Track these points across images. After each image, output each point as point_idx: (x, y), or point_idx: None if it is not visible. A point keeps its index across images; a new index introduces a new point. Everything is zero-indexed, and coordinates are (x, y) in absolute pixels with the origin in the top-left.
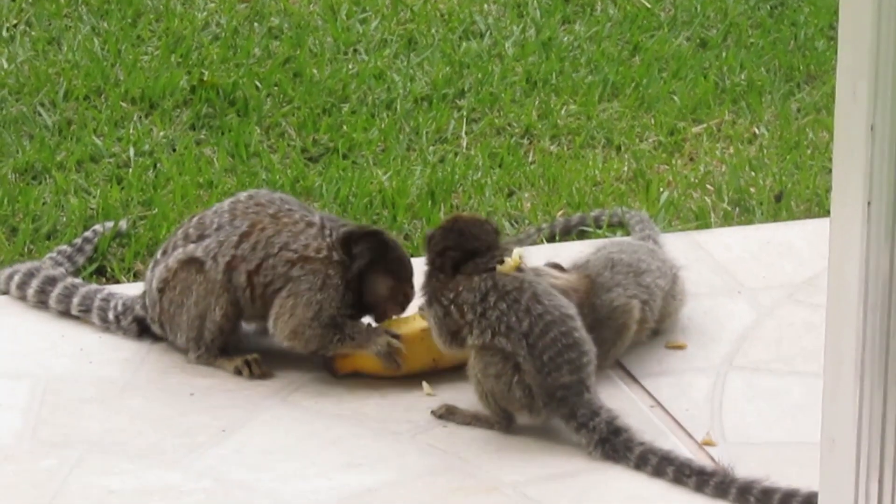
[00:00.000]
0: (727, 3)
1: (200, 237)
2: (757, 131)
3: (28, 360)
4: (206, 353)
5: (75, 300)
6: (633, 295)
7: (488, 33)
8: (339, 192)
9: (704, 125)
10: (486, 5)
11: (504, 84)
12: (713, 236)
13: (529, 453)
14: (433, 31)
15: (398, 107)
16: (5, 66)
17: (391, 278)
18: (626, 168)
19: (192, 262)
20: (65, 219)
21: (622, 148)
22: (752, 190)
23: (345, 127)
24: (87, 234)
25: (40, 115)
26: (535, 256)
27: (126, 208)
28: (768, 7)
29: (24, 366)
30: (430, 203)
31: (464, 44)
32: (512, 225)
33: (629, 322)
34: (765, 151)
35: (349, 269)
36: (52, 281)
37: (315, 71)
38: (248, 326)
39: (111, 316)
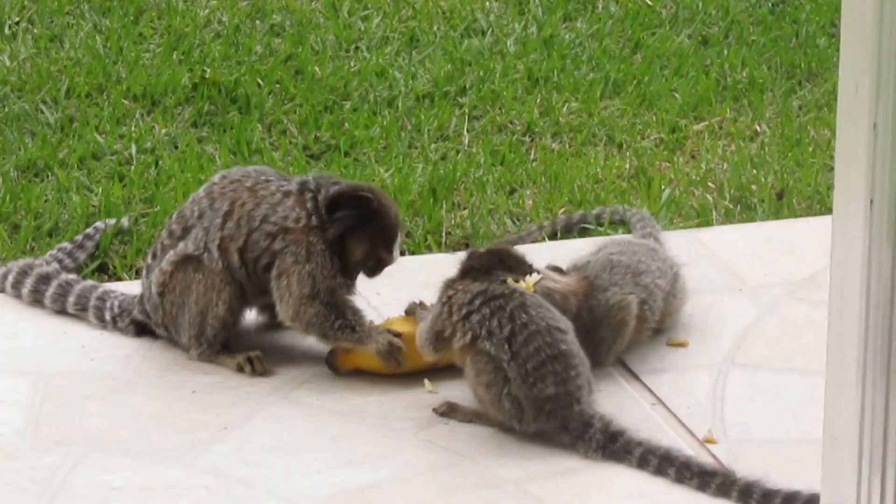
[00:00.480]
0: (728, 1)
1: (185, 230)
2: (758, 128)
3: (30, 357)
4: (207, 350)
5: (71, 299)
6: (630, 292)
7: (490, 31)
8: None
9: (706, 122)
10: (487, 2)
11: (506, 81)
12: (715, 234)
13: (531, 450)
14: (435, 28)
15: (400, 104)
16: (7, 63)
17: (368, 242)
18: (627, 165)
19: (186, 261)
20: (66, 216)
21: (624, 145)
22: (754, 187)
23: (346, 124)
24: (89, 230)
25: (42, 112)
26: (537, 255)
27: (128, 205)
28: (769, 4)
29: (25, 362)
30: (431, 200)
31: (465, 41)
32: (513, 222)
33: (627, 318)
34: (766, 149)
35: (327, 232)
36: (46, 279)
37: (317, 68)
38: (252, 315)
39: (108, 316)
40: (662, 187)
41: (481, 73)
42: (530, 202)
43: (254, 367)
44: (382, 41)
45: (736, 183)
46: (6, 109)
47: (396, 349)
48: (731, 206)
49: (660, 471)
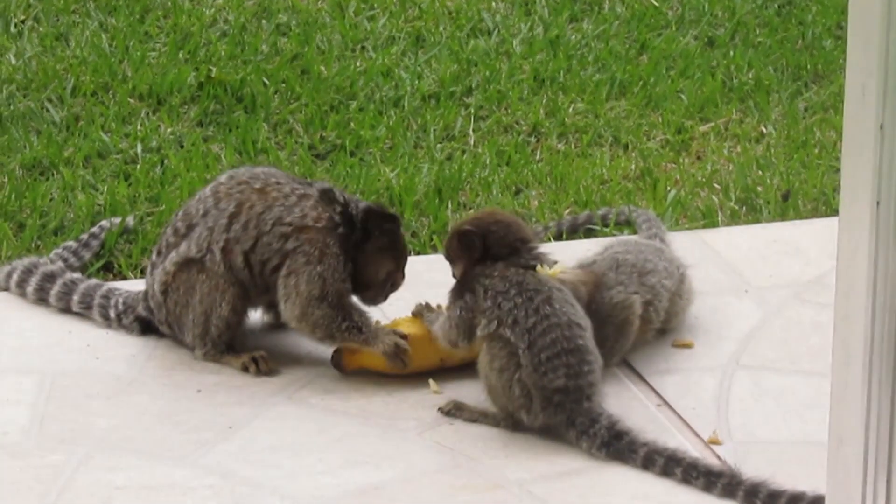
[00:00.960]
0: (735, 2)
1: (189, 228)
2: (764, 130)
3: (35, 356)
4: (212, 350)
5: (75, 297)
6: (635, 291)
7: (496, 31)
8: (347, 189)
9: (712, 124)
10: (493, 3)
11: (512, 82)
12: (720, 235)
13: (536, 451)
14: (441, 28)
15: (406, 104)
16: (13, 61)
17: (393, 264)
18: (633, 166)
19: (189, 263)
20: (72, 215)
21: (629, 146)
22: (760, 189)
23: (352, 124)
24: (94, 229)
25: (48, 110)
26: None
27: (133, 204)
28: (776, 6)
29: (30, 361)
30: (437, 200)
31: (471, 41)
32: None
33: (631, 317)
34: (772, 150)
35: (355, 241)
36: (50, 278)
37: (323, 68)
38: (257, 315)
39: (112, 314)
40: (668, 188)
41: (487, 73)
42: (536, 203)
43: (258, 367)
44: (388, 41)
45: (741, 184)
46: (12, 108)
47: (402, 350)
48: (736, 208)
49: (666, 471)
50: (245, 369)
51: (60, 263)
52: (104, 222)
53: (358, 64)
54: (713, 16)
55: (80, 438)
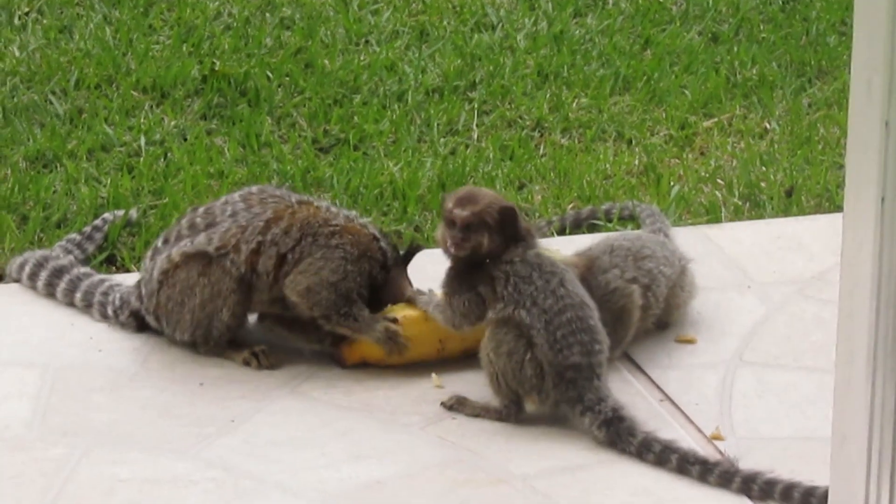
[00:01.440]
0: None
1: (210, 225)
2: (768, 126)
3: (38, 349)
4: (214, 347)
5: (78, 295)
6: (633, 279)
7: (500, 26)
8: (350, 183)
9: (715, 119)
10: None
11: (515, 77)
12: (723, 231)
13: (538, 446)
14: (445, 22)
15: (409, 98)
16: (17, 54)
17: (409, 282)
18: (636, 161)
19: (198, 258)
20: (75, 207)
21: (633, 141)
22: (763, 185)
23: (356, 118)
24: (97, 222)
25: (51, 103)
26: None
27: (137, 197)
28: (780, 2)
29: (33, 354)
30: (440, 195)
31: (475, 36)
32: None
33: (630, 306)
34: (776, 146)
35: (385, 264)
36: (59, 273)
37: (326, 62)
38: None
39: (110, 311)
40: (671, 184)
41: (491, 68)
42: (539, 197)
43: (260, 362)
44: (392, 35)
45: (745, 180)
46: (15, 100)
47: (395, 333)
48: (740, 204)
49: (661, 459)
50: (246, 364)
51: (70, 257)
52: (107, 215)
53: (362, 58)
54: (717, 11)
55: (82, 432)
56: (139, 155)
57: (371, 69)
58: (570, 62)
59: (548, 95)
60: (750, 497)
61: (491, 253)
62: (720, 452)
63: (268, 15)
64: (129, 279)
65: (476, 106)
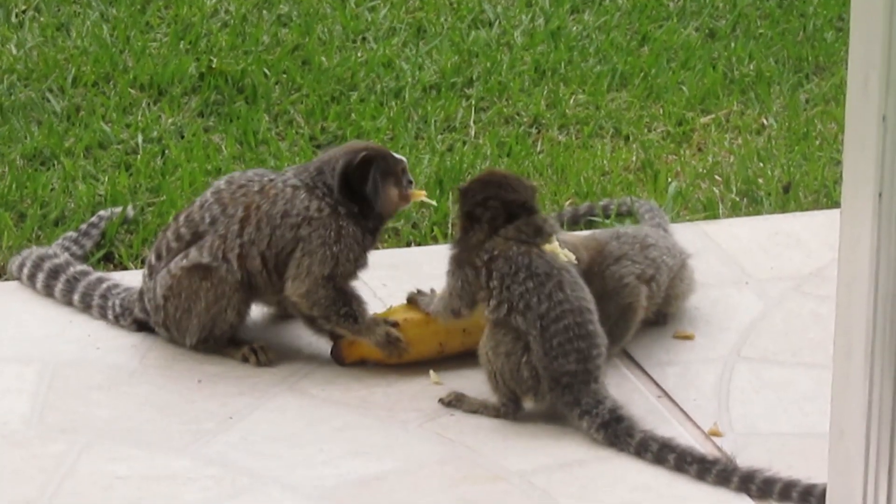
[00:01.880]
0: None
1: (196, 235)
2: (765, 122)
3: (36, 346)
4: (214, 345)
5: (75, 296)
6: (641, 272)
7: (497, 22)
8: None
9: (713, 116)
10: None
11: (513, 73)
12: (721, 227)
13: (536, 442)
14: (442, 19)
15: (407, 95)
16: (14, 51)
17: (391, 176)
18: (634, 158)
19: (197, 269)
20: (73, 205)
21: (630, 138)
22: (761, 181)
23: (353, 115)
24: (93, 219)
25: (49, 101)
26: None
27: (134, 195)
28: None
29: (32, 351)
30: (438, 191)
31: (472, 32)
32: None
33: (636, 305)
34: (773, 142)
35: (361, 211)
36: (55, 274)
37: (324, 59)
38: (264, 308)
39: (110, 315)
40: (669, 180)
41: (488, 64)
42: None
43: (259, 358)
44: (390, 32)
45: (742, 176)
46: (13, 98)
47: (395, 339)
48: (737, 200)
49: (659, 458)
50: (245, 360)
51: (67, 255)
52: (103, 212)
53: (359, 55)
54: (714, 7)
55: (81, 428)
56: (136, 152)
57: (368, 66)
58: (568, 59)
59: (545, 92)
60: (749, 495)
61: (470, 237)
62: (718, 448)
63: (265, 12)
64: (126, 277)
65: (473, 102)
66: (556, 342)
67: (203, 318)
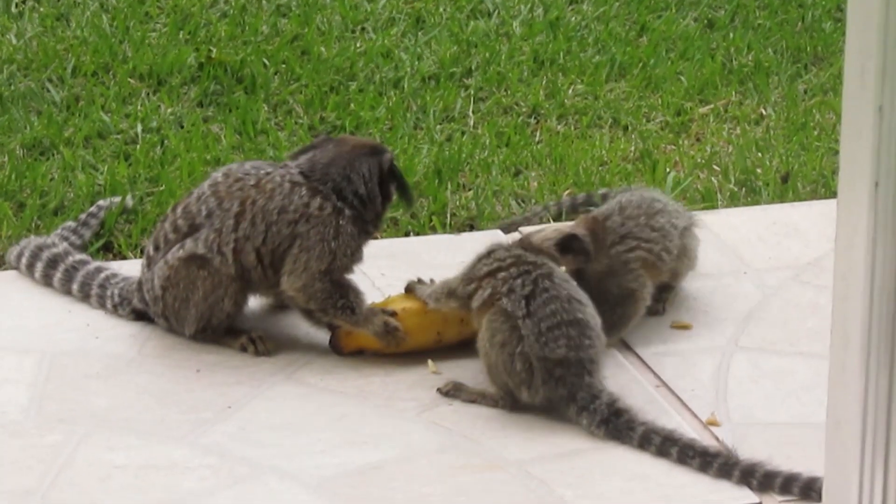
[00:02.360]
0: None
1: (192, 227)
2: (764, 112)
3: (34, 336)
4: (212, 334)
5: (74, 285)
6: (647, 252)
7: (496, 12)
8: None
9: (711, 106)
10: None
11: (511, 63)
12: (719, 217)
13: (534, 432)
14: (441, 9)
15: (405, 85)
16: (14, 41)
17: (391, 177)
18: (632, 148)
19: (193, 259)
20: (72, 194)
21: (629, 128)
22: (759, 171)
23: (352, 105)
24: (92, 209)
25: (48, 90)
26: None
27: (133, 185)
28: None
29: (30, 341)
30: (436, 181)
31: (471, 23)
32: (518, 204)
33: (639, 294)
34: (771, 132)
35: (368, 211)
36: (53, 263)
37: (323, 49)
38: (261, 298)
39: (109, 305)
40: (667, 170)
41: (487, 54)
42: (535, 184)
43: (256, 348)
44: (388, 22)
45: (741, 166)
46: (12, 88)
47: (393, 328)
48: (735, 190)
49: (662, 451)
50: (243, 349)
51: (65, 244)
52: (102, 201)
53: (358, 45)
54: None
55: (79, 418)
56: (136, 142)
57: (367, 56)
58: (566, 49)
59: (544, 82)
60: (749, 489)
61: None
62: (716, 438)
63: (264, 2)
64: (125, 266)
65: (472, 93)
66: (544, 326)
67: (201, 307)
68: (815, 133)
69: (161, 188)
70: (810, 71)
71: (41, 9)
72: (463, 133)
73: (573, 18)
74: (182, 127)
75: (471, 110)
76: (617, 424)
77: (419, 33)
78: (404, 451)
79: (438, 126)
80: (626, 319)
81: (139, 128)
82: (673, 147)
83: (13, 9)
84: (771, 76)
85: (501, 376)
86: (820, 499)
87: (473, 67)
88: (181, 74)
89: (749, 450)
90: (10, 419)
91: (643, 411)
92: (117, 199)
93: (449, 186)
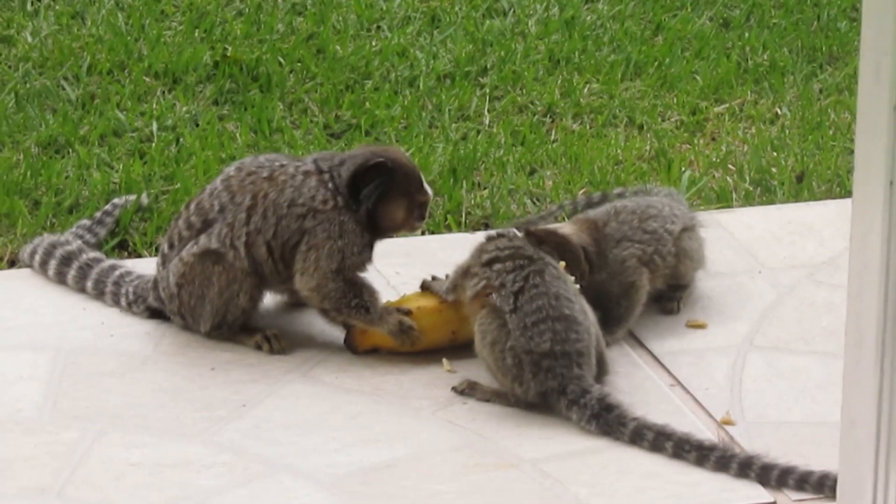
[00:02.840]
0: None
1: (206, 223)
2: (779, 111)
3: (49, 333)
4: (227, 331)
5: (88, 283)
6: (641, 252)
7: (511, 11)
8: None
9: (726, 105)
10: None
11: (527, 62)
12: (734, 216)
13: (549, 430)
14: (456, 8)
15: (421, 84)
16: (30, 40)
17: (404, 198)
18: (647, 147)
19: (208, 255)
20: (87, 192)
21: (644, 127)
22: (774, 170)
23: (367, 104)
24: (107, 207)
25: (64, 88)
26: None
27: (148, 183)
28: None
29: (45, 338)
30: (452, 180)
31: (487, 21)
32: (533, 203)
33: (639, 284)
34: (787, 132)
35: (358, 212)
36: (67, 260)
37: (338, 47)
38: (277, 296)
39: (123, 302)
40: (682, 169)
41: (502, 53)
42: (550, 183)
43: (271, 346)
44: (404, 21)
45: (756, 165)
46: (28, 86)
47: (408, 328)
48: (750, 189)
49: (656, 446)
50: (258, 347)
51: (79, 242)
52: (117, 199)
53: (373, 43)
54: None
55: (93, 415)
56: (151, 140)
57: (383, 55)
58: (582, 48)
59: (559, 81)
60: (747, 480)
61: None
62: (730, 437)
63: (279, 1)
64: (140, 265)
65: (487, 91)
66: (529, 321)
67: (216, 303)
68: (831, 132)
69: (176, 186)
70: (825, 70)
71: (57, 7)
72: (478, 132)
73: (589, 17)
74: (197, 125)
75: (486, 109)
76: (608, 419)
77: (435, 32)
78: (418, 450)
79: (454, 125)
80: (631, 310)
81: (154, 126)
82: (688, 146)
83: (29, 7)
84: (786, 75)
85: (497, 376)
86: (814, 490)
87: (489, 66)
88: (196, 73)
89: (763, 449)
90: (25, 416)
91: (657, 410)
92: (132, 198)
93: (464, 185)
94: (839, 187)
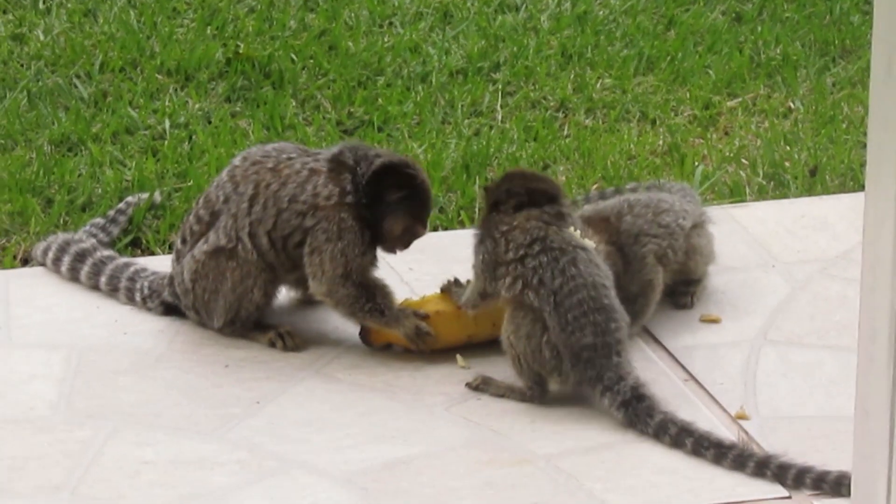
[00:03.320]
0: None
1: (213, 215)
2: (792, 105)
3: (63, 331)
4: (240, 328)
5: (102, 279)
6: (657, 246)
7: (524, 6)
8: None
9: (739, 99)
10: None
11: (539, 57)
12: (748, 210)
13: (563, 426)
14: (468, 4)
15: (433, 80)
16: (42, 37)
17: (408, 217)
18: (660, 142)
19: (220, 251)
20: (100, 190)
21: (657, 122)
22: (787, 164)
23: (380, 100)
24: (121, 205)
25: (76, 86)
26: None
27: (161, 180)
28: None
29: (59, 336)
30: (464, 176)
31: (499, 17)
32: None
33: (655, 283)
34: (800, 126)
35: (368, 206)
36: (81, 257)
37: (350, 44)
38: (285, 291)
39: (138, 298)
40: (695, 164)
41: (515, 48)
42: (563, 178)
43: (285, 343)
44: (416, 17)
45: (769, 160)
46: (40, 84)
47: (424, 333)
48: (764, 183)
49: (677, 441)
50: (272, 344)
51: (93, 240)
52: (130, 198)
53: (385, 39)
54: None
55: (107, 413)
56: (163, 138)
57: (395, 51)
58: (594, 43)
59: (571, 76)
60: (765, 480)
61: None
62: (745, 432)
63: None
64: (153, 262)
65: (500, 87)
66: (570, 316)
67: (229, 297)
68: (844, 126)
69: (189, 184)
70: (838, 64)
71: (69, 5)
72: (491, 127)
73: (601, 12)
74: (210, 122)
75: (499, 105)
76: (637, 409)
77: (447, 28)
78: (432, 446)
79: (466, 120)
80: (647, 307)
81: (167, 123)
82: (701, 141)
83: (41, 5)
84: (799, 69)
85: (530, 366)
86: (828, 493)
87: (501, 62)
88: (209, 70)
89: (777, 443)
90: (39, 415)
91: (671, 404)
92: (145, 195)
93: (477, 181)
94: (852, 181)
